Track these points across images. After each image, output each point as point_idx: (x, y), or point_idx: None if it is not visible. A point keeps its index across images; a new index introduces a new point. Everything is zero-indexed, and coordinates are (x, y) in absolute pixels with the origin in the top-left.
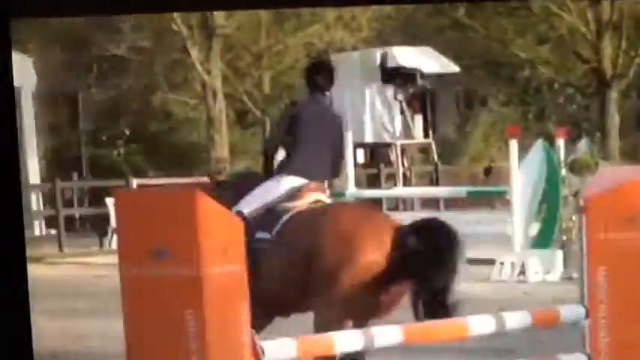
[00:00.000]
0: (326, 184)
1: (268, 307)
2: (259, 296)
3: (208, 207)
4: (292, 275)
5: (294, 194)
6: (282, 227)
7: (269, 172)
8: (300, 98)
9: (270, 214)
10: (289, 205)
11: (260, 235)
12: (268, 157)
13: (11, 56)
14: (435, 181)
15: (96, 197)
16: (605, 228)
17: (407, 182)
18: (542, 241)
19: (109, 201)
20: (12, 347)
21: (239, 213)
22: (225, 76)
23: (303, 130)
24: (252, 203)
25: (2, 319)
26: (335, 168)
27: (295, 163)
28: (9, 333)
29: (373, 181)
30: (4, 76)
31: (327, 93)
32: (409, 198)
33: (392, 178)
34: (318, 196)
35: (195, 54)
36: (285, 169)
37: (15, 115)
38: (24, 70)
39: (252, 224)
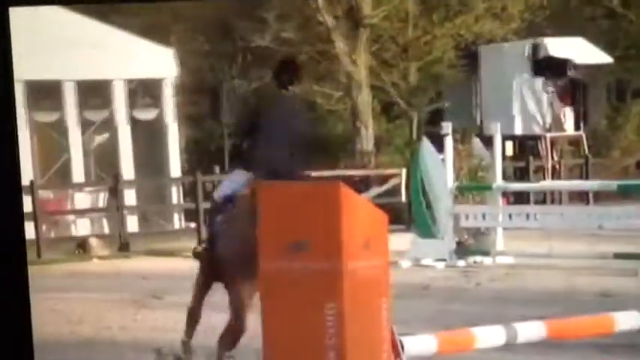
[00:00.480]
0: None
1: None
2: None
3: (351, 200)
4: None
5: (248, 184)
6: (228, 212)
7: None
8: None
9: (227, 200)
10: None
11: (218, 218)
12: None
13: (10, 45)
14: (584, 175)
15: None
16: None
17: (556, 175)
18: None
19: None
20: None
21: (211, 199)
22: (371, 68)
23: (259, 126)
24: (220, 191)
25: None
26: (295, 160)
27: (249, 156)
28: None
29: (522, 174)
30: (3, 67)
31: (291, 89)
32: (557, 191)
33: (540, 171)
34: None
35: (340, 45)
36: (242, 162)
37: (14, 108)
38: (165, 62)
39: (217, 208)
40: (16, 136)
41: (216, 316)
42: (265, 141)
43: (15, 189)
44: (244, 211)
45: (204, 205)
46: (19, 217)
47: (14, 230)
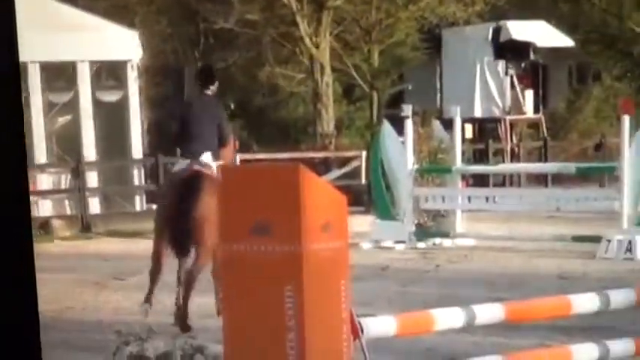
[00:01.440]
0: None
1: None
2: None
3: (311, 182)
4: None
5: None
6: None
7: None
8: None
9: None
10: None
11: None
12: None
13: (16, 29)
14: (543, 157)
15: None
16: None
17: (515, 158)
18: None
19: None
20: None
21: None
22: (334, 50)
23: (188, 122)
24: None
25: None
26: (218, 141)
27: (184, 147)
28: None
29: (481, 157)
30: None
31: (211, 89)
32: (516, 174)
33: (500, 154)
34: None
35: (303, 27)
36: (180, 153)
37: (20, 94)
38: (129, 44)
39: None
40: (22, 122)
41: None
42: (195, 124)
43: (21, 167)
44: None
45: None
46: None
47: None
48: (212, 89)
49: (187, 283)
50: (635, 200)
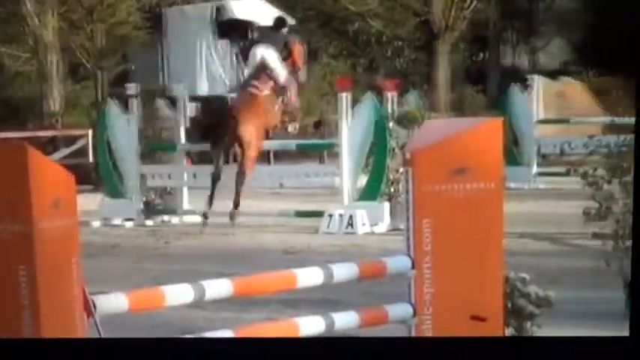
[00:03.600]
0: None
1: None
2: None
3: (38, 161)
4: None
5: None
6: None
7: None
8: None
9: None
10: None
11: None
12: None
13: None
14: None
15: None
16: (431, 180)
17: None
18: (370, 193)
19: None
20: None
21: None
22: (60, 29)
23: None
24: None
25: None
26: None
27: None
28: None
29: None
30: None
31: None
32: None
33: None
34: None
35: (28, 6)
36: None
37: None
38: None
39: None
40: None
41: None
42: None
43: None
44: None
45: None
46: None
47: None
48: None
49: (236, 184)
50: (355, 176)
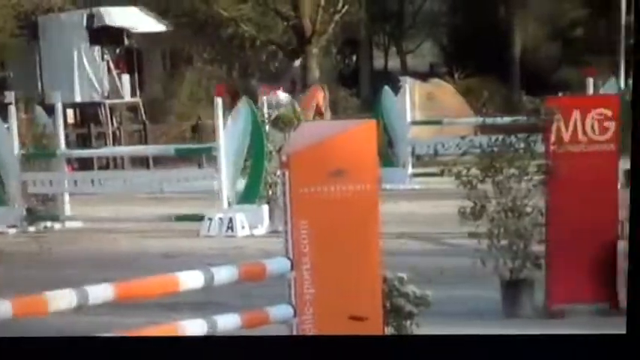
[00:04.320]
0: None
1: None
2: None
3: None
4: None
5: None
6: None
7: None
8: None
9: None
10: None
11: None
12: None
13: None
14: (144, 140)
15: None
16: (307, 182)
17: (117, 141)
18: (248, 196)
19: None
20: None
21: None
22: None
23: None
24: None
25: None
26: None
27: None
28: None
29: (84, 141)
30: None
31: None
32: (120, 157)
33: (102, 137)
34: None
35: None
36: None
37: None
38: None
39: None
40: None
41: None
42: None
43: None
44: None
45: None
46: None
47: None
48: None
49: None
50: (233, 179)
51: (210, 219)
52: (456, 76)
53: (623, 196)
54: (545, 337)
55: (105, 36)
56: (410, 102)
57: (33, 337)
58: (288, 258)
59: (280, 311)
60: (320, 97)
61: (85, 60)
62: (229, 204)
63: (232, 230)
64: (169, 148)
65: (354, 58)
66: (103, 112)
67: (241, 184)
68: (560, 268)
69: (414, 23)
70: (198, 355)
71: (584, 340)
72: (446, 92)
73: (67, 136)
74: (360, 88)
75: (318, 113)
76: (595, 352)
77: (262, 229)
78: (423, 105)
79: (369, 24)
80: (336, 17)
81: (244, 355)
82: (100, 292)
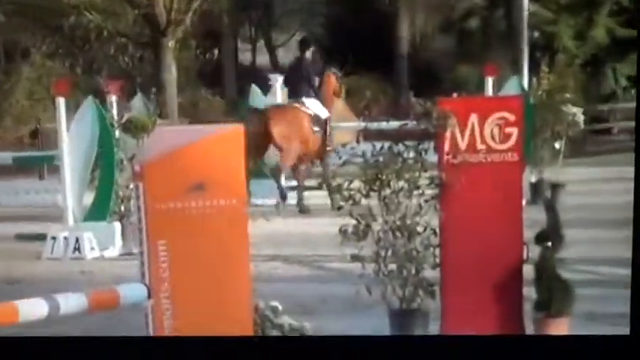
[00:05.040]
0: None
1: None
2: None
3: None
4: None
5: None
6: None
7: None
8: None
9: None
10: None
11: None
12: None
13: None
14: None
15: None
16: (165, 197)
17: None
18: (97, 212)
19: None
20: None
21: None
22: None
23: None
24: None
25: None
26: None
27: None
28: None
29: None
30: None
31: None
32: None
33: None
34: None
35: None
36: None
37: None
38: None
39: None
40: None
41: None
42: None
43: None
44: None
45: None
46: None
47: None
48: None
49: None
50: (80, 193)
51: (53, 238)
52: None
53: (529, 213)
54: (549, 338)
55: None
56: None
57: None
58: (145, 284)
59: None
60: (334, 83)
61: None
62: (75, 221)
63: (80, 252)
64: (6, 157)
65: (217, 52)
66: None
67: (89, 197)
68: (456, 296)
69: (285, 12)
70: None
71: (588, 341)
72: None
73: None
74: (225, 87)
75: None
76: (599, 352)
77: (114, 251)
78: None
79: (232, 13)
80: (195, 5)
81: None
82: None
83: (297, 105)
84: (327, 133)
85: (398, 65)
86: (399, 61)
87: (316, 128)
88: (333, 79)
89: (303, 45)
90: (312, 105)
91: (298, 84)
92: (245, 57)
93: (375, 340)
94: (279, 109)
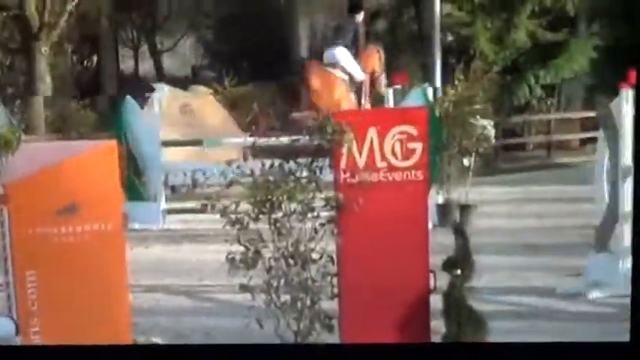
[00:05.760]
0: None
1: None
2: None
3: None
4: None
5: None
6: None
7: None
8: None
9: None
10: None
11: None
12: None
13: None
14: None
15: None
16: (32, 222)
17: None
18: None
19: None
20: None
21: None
22: None
23: None
24: None
25: None
26: None
27: None
28: None
29: None
30: None
31: None
32: None
33: None
34: None
35: None
36: None
37: None
38: None
39: None
40: None
41: None
42: None
43: None
44: None
45: None
46: None
47: None
48: None
49: None
50: None
51: None
52: (226, 83)
53: (436, 238)
54: (549, 345)
55: None
56: (161, 117)
57: None
58: (12, 319)
59: None
60: (376, 59)
61: None
62: None
63: None
64: None
65: (95, 58)
66: None
67: None
68: (356, 330)
69: (170, 14)
70: None
71: (588, 348)
72: (206, 104)
73: None
74: (99, 98)
75: (372, 80)
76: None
77: None
78: (176, 120)
79: (112, 15)
80: (70, 7)
81: None
82: None
83: (332, 71)
84: (362, 96)
85: (292, 73)
86: (294, 68)
87: (351, 94)
88: (376, 55)
89: (355, 9)
90: (351, 67)
91: (342, 47)
92: (126, 64)
93: None
94: (320, 69)
